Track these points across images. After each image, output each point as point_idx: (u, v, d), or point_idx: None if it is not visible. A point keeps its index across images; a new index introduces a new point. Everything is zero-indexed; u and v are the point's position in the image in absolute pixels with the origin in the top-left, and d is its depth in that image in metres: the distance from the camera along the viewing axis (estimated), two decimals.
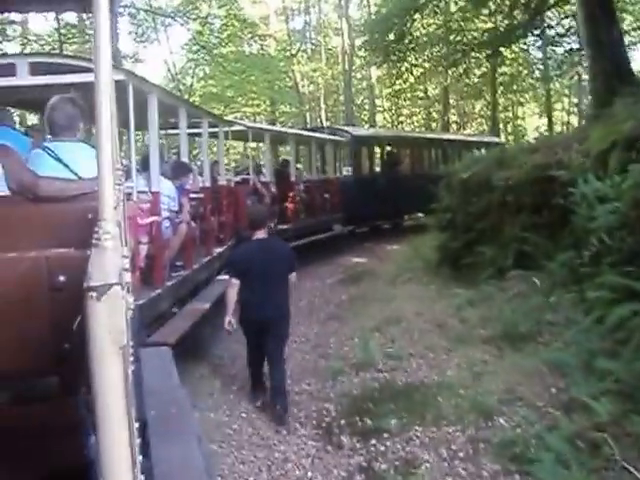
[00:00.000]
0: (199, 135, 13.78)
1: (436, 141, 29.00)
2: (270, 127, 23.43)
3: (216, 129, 14.11)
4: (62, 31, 28.89)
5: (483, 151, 22.32)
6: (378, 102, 49.99)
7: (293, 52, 41.53)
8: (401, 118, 51.68)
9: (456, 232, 12.30)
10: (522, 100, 47.23)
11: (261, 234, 8.03)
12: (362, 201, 21.70)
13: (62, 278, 1.99)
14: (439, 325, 9.65)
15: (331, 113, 49.27)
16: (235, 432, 7.30)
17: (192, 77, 39.04)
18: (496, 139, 33.71)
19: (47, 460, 2.18)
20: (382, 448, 6.35)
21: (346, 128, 26.56)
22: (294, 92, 39.75)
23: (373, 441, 6.51)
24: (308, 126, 33.27)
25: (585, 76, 43.83)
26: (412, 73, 35.25)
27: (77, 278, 1.45)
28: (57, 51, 27.22)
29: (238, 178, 16.59)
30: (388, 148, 26.25)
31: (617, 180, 7.67)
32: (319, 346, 10.30)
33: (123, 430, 1.06)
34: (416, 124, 50.82)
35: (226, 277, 9.18)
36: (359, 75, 47.41)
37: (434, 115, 49.74)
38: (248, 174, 16.59)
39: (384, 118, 51.12)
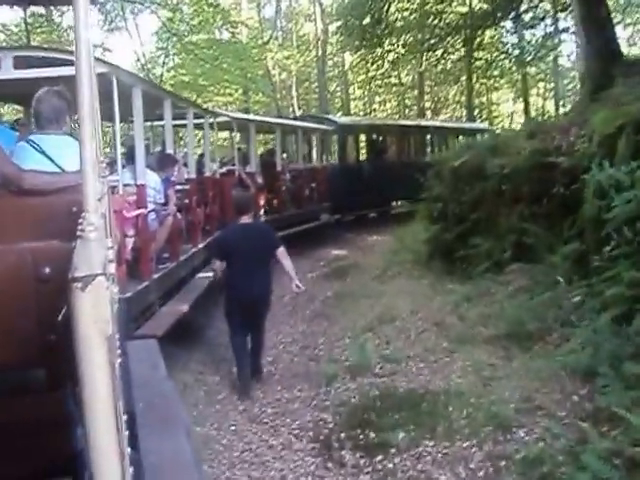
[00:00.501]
0: (184, 126, 13.62)
1: (422, 129, 28.81)
2: (255, 117, 23.05)
3: (201, 120, 14.12)
4: (29, 20, 27.78)
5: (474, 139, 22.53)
6: (350, 90, 49.31)
7: (265, 39, 40.67)
8: (374, 106, 51.10)
9: (448, 223, 11.70)
10: (497, 85, 46.66)
11: (246, 219, 8.38)
12: (349, 190, 21.60)
13: (47, 270, 1.95)
14: (437, 324, 9.07)
15: (303, 101, 48.51)
16: (226, 448, 6.66)
17: (162, 66, 38.06)
18: (482, 126, 33.88)
19: (35, 453, 2.11)
20: (390, 466, 5.75)
21: (332, 117, 26.90)
22: (267, 80, 38.93)
23: (379, 457, 5.91)
24: (278, 115, 32.74)
25: (561, 61, 43.88)
26: (387, 59, 34.62)
27: (62, 270, 1.46)
28: (24, 41, 26.30)
29: (224, 169, 16.33)
30: (374, 136, 26.11)
31: (634, 165, 7.09)
32: (308, 347, 9.68)
33: (111, 421, 1.05)
34: (389, 112, 50.26)
35: (208, 274, 9.96)
36: (331, 63, 46.70)
37: (407, 102, 49.21)
38: (233, 165, 16.42)
39: (356, 106, 50.47)
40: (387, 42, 28.77)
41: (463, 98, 47.45)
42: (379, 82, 45.26)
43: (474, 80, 40.85)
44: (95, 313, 1.07)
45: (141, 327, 7.84)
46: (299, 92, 47.85)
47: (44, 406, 2.05)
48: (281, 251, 8.25)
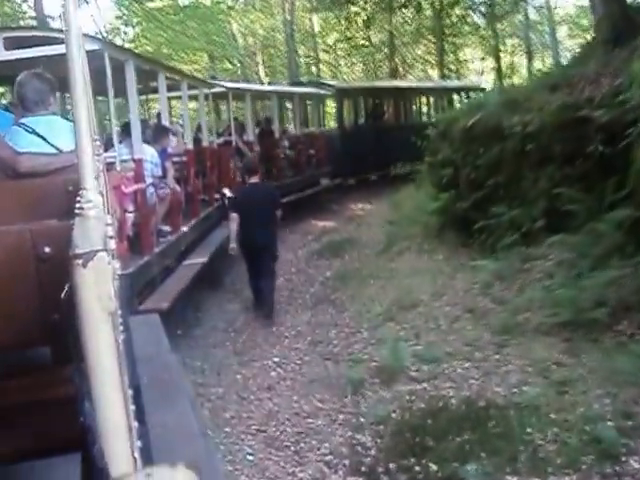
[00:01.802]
0: (180, 98, 13.77)
1: (419, 90, 28.33)
2: (251, 86, 22.66)
3: (196, 91, 14.06)
4: None
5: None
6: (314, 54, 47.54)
7: (230, 3, 38.57)
8: (342, 69, 49.48)
9: (461, 190, 10.43)
10: (468, 42, 45.32)
11: (254, 179, 10.17)
12: (348, 154, 21.37)
13: (47, 249, 1.87)
14: (469, 310, 7.84)
15: (269, 68, 46.66)
16: None
17: (122, 36, 35.91)
18: (477, 84, 32.95)
19: (44, 430, 2.03)
20: None
21: (329, 81, 26.86)
22: (234, 47, 36.99)
23: None
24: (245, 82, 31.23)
25: (533, 15, 42.61)
26: (359, 18, 33.19)
27: (62, 249, 1.53)
28: None
29: (221, 140, 16.09)
30: (373, 99, 25.65)
31: None
32: (318, 343, 8.35)
33: (118, 395, 1.04)
34: (359, 74, 48.67)
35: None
36: (295, 28, 44.81)
37: (372, 65, 47.60)
38: (230, 135, 16.19)
39: (323, 71, 48.76)
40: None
41: (430, 57, 46.32)
42: (347, 44, 43.71)
43: (445, 38, 39.56)
44: (98, 289, 1.07)
45: (144, 302, 7.91)
46: (264, 59, 45.99)
47: (51, 383, 2.01)
48: (279, 212, 9.90)
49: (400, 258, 10.77)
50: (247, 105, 17.94)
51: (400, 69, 47.35)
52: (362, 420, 6.01)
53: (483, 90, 26.15)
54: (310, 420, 6.36)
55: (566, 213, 8.65)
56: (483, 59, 50.03)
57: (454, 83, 34.92)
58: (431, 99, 27.92)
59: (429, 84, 31.36)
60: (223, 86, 16.99)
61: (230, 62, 39.35)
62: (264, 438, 6.13)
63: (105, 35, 34.74)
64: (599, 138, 8.40)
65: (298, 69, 38.98)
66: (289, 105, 23.68)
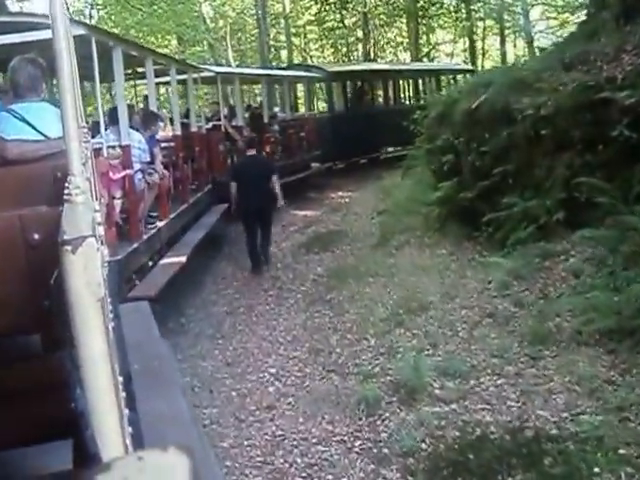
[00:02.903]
0: (168, 83, 13.91)
1: (408, 72, 27.97)
2: (240, 70, 23.00)
3: (185, 76, 14.06)
4: None
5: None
6: (283, 38, 46.38)
7: None
8: (312, 53, 48.47)
9: (465, 179, 9.62)
10: (442, 24, 44.54)
11: (252, 151, 11.82)
12: (338, 138, 21.07)
13: (36, 236, 1.96)
14: (489, 314, 7.04)
15: (238, 52, 45.43)
16: None
17: (87, 19, 34.38)
18: (466, 66, 32.42)
19: (36, 416, 2.07)
20: None
21: (320, 65, 27.14)
22: (204, 30, 35.66)
23: None
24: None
25: None
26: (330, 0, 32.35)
27: (51, 235, 1.52)
28: None
29: (210, 125, 15.93)
30: (364, 83, 25.46)
31: None
32: (319, 351, 7.49)
33: (109, 381, 1.06)
34: (328, 59, 47.67)
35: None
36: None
37: (345, 48, 46.64)
38: (218, 120, 16.18)
39: (291, 54, 47.68)
40: None
41: (402, 39, 45.51)
42: (319, 27, 42.71)
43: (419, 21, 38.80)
44: (87, 275, 1.08)
45: (133, 289, 7.93)
46: (232, 43, 44.74)
47: (43, 370, 2.02)
48: (275, 177, 11.17)
49: (399, 253, 9.93)
50: (236, 89, 18.09)
51: (371, 51, 46.55)
52: (385, 450, 5.19)
53: (472, 72, 25.98)
54: (322, 448, 5.53)
55: (587, 204, 7.92)
56: (455, 41, 49.48)
57: (443, 65, 34.56)
58: (419, 81, 27.53)
59: (417, 66, 30.80)
60: (212, 70, 17.06)
61: (199, 46, 38.08)
62: (271, 472, 5.28)
63: (70, 17, 33.23)
64: (624, 122, 7.67)
65: (269, 53, 37.87)
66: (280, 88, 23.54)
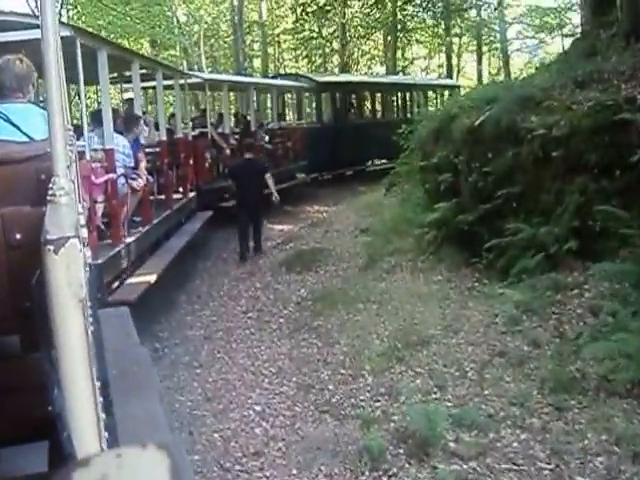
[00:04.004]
0: (154, 88, 13.82)
1: (397, 85, 27.99)
2: (228, 77, 22.36)
3: (171, 81, 13.99)
4: None
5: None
6: (257, 47, 45.72)
7: None
8: (286, 63, 47.94)
9: (464, 200, 8.99)
10: (419, 39, 44.27)
11: (248, 155, 13.27)
12: (326, 148, 21.11)
13: (18, 236, 1.96)
14: (500, 353, 6.39)
15: (210, 59, 44.64)
16: None
17: (58, 17, 33.29)
18: (451, 81, 32.42)
19: (12, 417, 2.02)
20: None
21: (310, 75, 26.93)
22: (179, 33, 34.79)
23: None
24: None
25: (485, 14, 41.72)
26: (308, 10, 31.90)
27: (33, 235, 1.51)
28: None
29: (196, 131, 15.89)
30: (353, 94, 25.50)
31: None
32: (309, 387, 6.76)
33: (87, 383, 1.06)
34: (303, 69, 47.12)
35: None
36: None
37: (319, 59, 46.12)
38: (203, 127, 16.15)
39: (267, 62, 47.04)
40: None
41: (378, 52, 45.18)
42: (295, 37, 42.13)
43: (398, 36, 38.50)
44: (68, 276, 1.07)
45: (113, 294, 7.92)
46: (205, 50, 43.92)
47: (21, 371, 1.98)
48: (268, 175, 12.94)
49: (390, 277, 9.24)
50: (224, 96, 17.87)
51: (346, 63, 46.11)
52: None
53: (458, 88, 26.00)
54: None
55: (600, 233, 7.35)
56: (431, 57, 49.36)
57: (430, 80, 34.63)
58: (407, 95, 27.47)
59: (406, 80, 30.68)
60: (200, 77, 17.01)
61: (173, 50, 37.24)
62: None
63: (38, 16, 32.19)
64: None
65: (245, 60, 37.15)
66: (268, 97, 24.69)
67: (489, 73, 49.24)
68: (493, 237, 8.28)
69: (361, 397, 6.24)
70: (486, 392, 5.75)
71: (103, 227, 8.37)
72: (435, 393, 5.92)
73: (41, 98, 7.34)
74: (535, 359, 6.12)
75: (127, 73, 11.38)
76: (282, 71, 44.75)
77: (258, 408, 6.48)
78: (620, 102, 7.54)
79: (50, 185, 1.36)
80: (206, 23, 39.40)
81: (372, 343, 7.32)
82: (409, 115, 23.55)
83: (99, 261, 7.07)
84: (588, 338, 6.12)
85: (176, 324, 9.09)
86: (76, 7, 31.65)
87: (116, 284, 8.51)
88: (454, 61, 47.78)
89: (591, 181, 7.52)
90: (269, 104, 27.64)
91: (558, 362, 5.89)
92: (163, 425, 1.96)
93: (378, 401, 6.06)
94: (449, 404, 5.68)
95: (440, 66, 47.45)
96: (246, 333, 8.76)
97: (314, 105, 24.43)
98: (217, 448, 5.74)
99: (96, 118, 8.92)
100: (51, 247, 1.09)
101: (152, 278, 8.98)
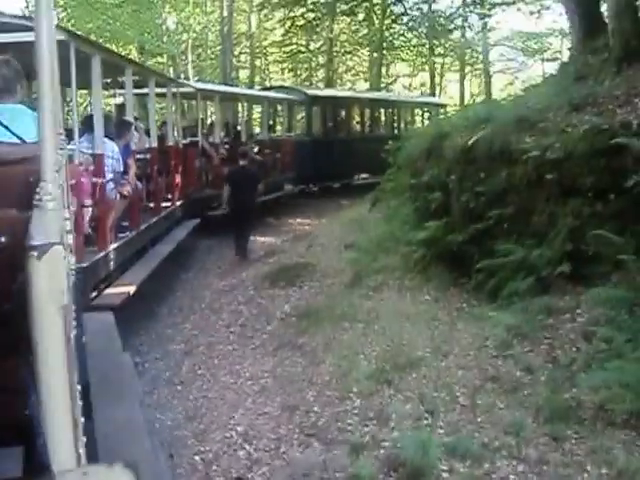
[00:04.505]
0: (146, 95, 13.67)
1: (387, 102, 28.60)
2: (220, 88, 22.39)
3: (164, 89, 14.11)
4: None
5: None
6: (243, 58, 45.61)
7: None
8: (272, 75, 47.84)
9: (454, 219, 8.87)
10: (404, 57, 44.42)
11: (243, 162, 14.10)
12: (314, 161, 21.76)
13: (2, 239, 1.94)
14: (491, 378, 6.23)
15: (195, 69, 44.44)
16: None
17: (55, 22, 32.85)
18: (436, 100, 33.13)
19: None
20: None
21: (301, 88, 27.54)
22: (169, 41, 34.54)
23: None
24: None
25: (470, 33, 41.96)
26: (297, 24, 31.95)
27: (18, 239, 1.48)
28: None
29: (187, 140, 16.30)
30: (341, 108, 25.97)
31: None
32: (294, 409, 6.52)
33: (65, 389, 1.04)
34: (287, 80, 47.07)
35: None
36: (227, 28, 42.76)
37: (305, 72, 46.14)
38: (194, 135, 16.47)
39: (253, 73, 46.93)
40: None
41: (362, 68, 45.32)
42: (282, 49, 42.08)
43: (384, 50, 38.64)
44: (51, 282, 1.07)
45: (97, 298, 7.92)
46: (193, 58, 43.72)
47: None
48: (260, 186, 14.38)
49: (377, 295, 9.07)
50: (216, 107, 18.28)
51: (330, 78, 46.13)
52: None
53: (444, 106, 26.45)
54: None
55: (592, 257, 7.25)
56: (414, 75, 49.55)
57: (418, 98, 35.10)
58: (395, 111, 28.08)
59: (394, 97, 31.42)
60: (193, 86, 17.32)
61: (160, 57, 36.95)
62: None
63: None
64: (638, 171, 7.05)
65: (231, 71, 36.95)
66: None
67: (470, 93, 49.69)
68: (483, 258, 8.15)
69: (349, 421, 6.04)
70: (479, 419, 5.58)
71: (90, 232, 8.33)
72: (426, 419, 5.74)
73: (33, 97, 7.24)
74: (529, 385, 5.97)
75: (120, 79, 11.58)
76: (268, 84, 44.74)
77: (241, 429, 6.25)
78: (615, 126, 7.46)
79: (37, 190, 1.35)
80: (195, 32, 39.10)
81: (359, 364, 7.12)
82: (396, 131, 23.98)
83: (84, 265, 7.10)
84: (582, 364, 6.00)
85: (156, 337, 8.84)
86: (66, 9, 31.34)
87: (101, 288, 8.50)
88: (437, 79, 48.07)
89: (585, 205, 7.42)
90: (256, 115, 27.90)
91: (552, 389, 5.75)
92: (142, 431, 1.96)
93: (367, 426, 5.86)
94: (441, 431, 5.50)
95: (422, 84, 47.69)
96: (228, 349, 8.55)
97: (304, 118, 25.09)
98: (198, 472, 5.52)
99: (88, 123, 8.94)
100: (35, 253, 1.08)
101: (131, 289, 8.77)
